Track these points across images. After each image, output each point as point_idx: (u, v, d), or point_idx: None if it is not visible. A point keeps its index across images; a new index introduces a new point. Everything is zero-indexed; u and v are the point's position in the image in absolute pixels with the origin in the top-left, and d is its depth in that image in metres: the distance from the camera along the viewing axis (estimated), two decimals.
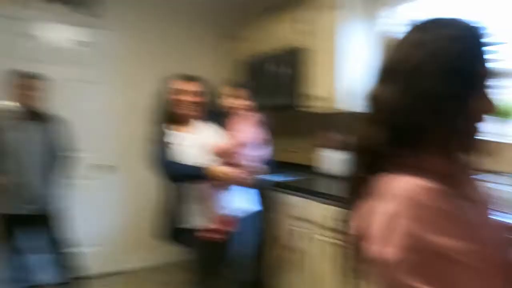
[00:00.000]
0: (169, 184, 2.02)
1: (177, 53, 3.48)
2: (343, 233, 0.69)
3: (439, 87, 0.58)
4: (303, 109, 2.69)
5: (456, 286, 0.51)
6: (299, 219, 2.36)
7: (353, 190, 0.67)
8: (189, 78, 2.02)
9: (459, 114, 0.59)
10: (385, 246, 0.55)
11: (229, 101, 2.09)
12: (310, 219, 2.28)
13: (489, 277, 0.55)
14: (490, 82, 0.61)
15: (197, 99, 1.99)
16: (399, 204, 0.55)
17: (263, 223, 2.51)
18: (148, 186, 2.81)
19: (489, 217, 0.67)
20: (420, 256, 0.52)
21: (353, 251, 0.67)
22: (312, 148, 2.93)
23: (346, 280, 0.70)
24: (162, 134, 1.98)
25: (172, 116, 2.01)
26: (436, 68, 0.58)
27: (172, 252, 2.60)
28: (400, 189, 0.57)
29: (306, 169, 2.93)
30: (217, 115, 2.11)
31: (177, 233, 2.03)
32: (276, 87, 2.82)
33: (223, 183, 1.96)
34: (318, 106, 2.57)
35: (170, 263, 3.26)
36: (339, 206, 0.71)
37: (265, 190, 2.50)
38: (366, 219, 0.61)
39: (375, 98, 0.66)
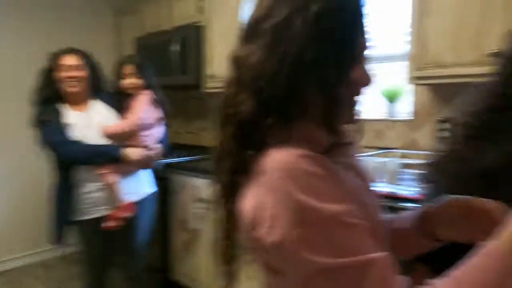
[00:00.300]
0: (60, 169, 1.84)
1: (70, 28, 3.15)
2: (225, 217, 0.62)
3: (312, 53, 0.53)
4: (205, 89, 2.64)
5: (349, 248, 0.50)
6: (201, 200, 2.33)
7: (232, 170, 0.59)
8: (67, 51, 1.86)
9: (336, 83, 0.55)
10: (268, 228, 0.51)
11: (124, 80, 1.95)
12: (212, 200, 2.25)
13: (374, 235, 0.55)
14: (368, 55, 0.60)
15: (77, 73, 1.83)
16: (276, 179, 0.52)
17: (165, 207, 2.43)
18: (31, 172, 2.53)
19: (368, 184, 0.69)
20: (308, 227, 0.50)
21: (232, 238, 0.62)
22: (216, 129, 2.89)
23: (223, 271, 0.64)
24: (52, 114, 1.80)
25: (59, 94, 1.84)
26: (312, 31, 0.54)
27: (60, 245, 2.38)
28: (275, 163, 0.53)
29: (210, 150, 2.88)
30: (113, 95, 1.98)
31: (68, 223, 1.86)
32: (176, 66, 2.71)
33: (128, 166, 1.87)
34: (219, 86, 2.53)
35: (58, 257, 3.05)
36: (217, 190, 0.63)
37: (163, 172, 2.41)
38: (246, 202, 0.56)
39: (237, 60, 0.59)
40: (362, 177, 0.68)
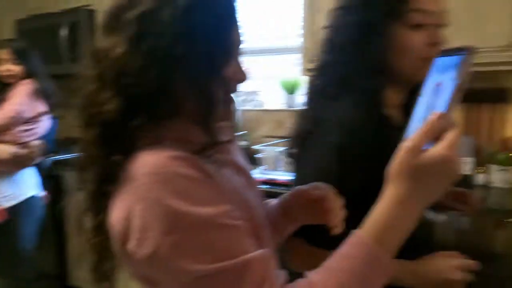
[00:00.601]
0: None
1: None
2: (96, 231, 0.56)
3: (183, 47, 0.50)
4: None
5: (226, 251, 0.48)
6: None
7: (98, 178, 0.52)
8: None
9: (209, 80, 0.52)
10: (139, 240, 0.47)
11: (1, 67, 1.71)
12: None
13: (256, 236, 0.54)
14: (242, 50, 0.58)
15: None
16: (145, 185, 0.48)
17: (58, 208, 2.22)
18: None
19: (250, 180, 0.68)
20: (181, 233, 0.47)
21: (105, 253, 0.56)
22: None
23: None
24: None
25: None
26: (181, 24, 0.50)
27: None
28: (144, 167, 0.48)
29: None
30: None
31: None
32: (66, 53, 2.47)
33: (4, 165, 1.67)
34: None
35: None
36: (84, 201, 0.56)
37: (53, 170, 2.21)
38: (115, 213, 0.51)
39: (97, 54, 0.53)
40: (243, 173, 0.67)
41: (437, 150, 0.46)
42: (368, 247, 0.48)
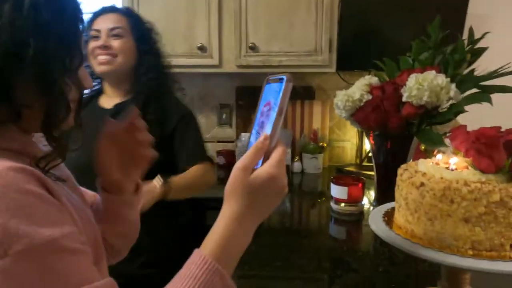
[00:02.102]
0: None
1: None
2: None
3: (29, 47, 0.44)
4: None
5: (70, 277, 0.42)
6: None
7: None
8: None
9: (56, 84, 0.47)
10: None
11: None
12: None
13: (92, 256, 0.50)
14: (84, 55, 0.53)
15: None
16: None
17: None
18: None
19: (84, 200, 0.62)
20: (18, 257, 0.40)
21: None
22: None
23: None
24: None
25: None
26: (27, 21, 0.44)
27: None
28: None
29: None
30: None
31: None
32: None
33: None
34: None
35: None
36: None
37: None
38: None
39: None
40: (78, 190, 0.61)
41: (264, 169, 0.49)
42: (208, 265, 0.48)
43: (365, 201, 1.37)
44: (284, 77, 0.51)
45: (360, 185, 1.29)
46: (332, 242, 1.17)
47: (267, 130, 0.51)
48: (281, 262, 0.97)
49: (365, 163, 1.89)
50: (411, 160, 1.23)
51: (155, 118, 1.22)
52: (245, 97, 2.05)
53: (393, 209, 0.74)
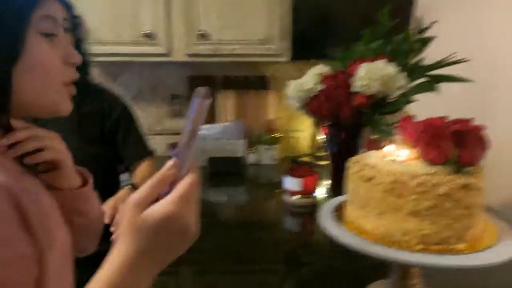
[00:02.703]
0: None
1: None
2: None
3: None
4: None
5: None
6: None
7: None
8: None
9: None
10: None
11: None
12: None
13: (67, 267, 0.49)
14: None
15: None
16: None
17: None
18: None
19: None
20: None
21: None
22: None
23: None
24: None
25: None
26: None
27: None
28: None
29: None
30: None
31: None
32: None
33: None
34: None
35: None
36: None
37: None
38: None
39: None
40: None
41: (160, 206, 0.40)
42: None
43: (322, 191, 1.36)
44: (201, 92, 0.43)
45: (314, 176, 1.28)
46: (287, 235, 1.15)
47: (175, 153, 0.43)
48: (235, 255, 0.95)
49: (320, 153, 1.89)
50: (363, 149, 1.23)
51: (95, 112, 1.15)
52: (197, 87, 1.97)
53: (346, 202, 0.72)
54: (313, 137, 1.96)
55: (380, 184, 0.59)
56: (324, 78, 1.18)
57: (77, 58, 0.52)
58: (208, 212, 1.27)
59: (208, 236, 0.96)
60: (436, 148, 0.58)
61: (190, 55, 1.62)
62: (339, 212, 0.71)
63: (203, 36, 1.59)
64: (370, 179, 0.61)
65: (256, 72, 1.98)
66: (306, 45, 1.72)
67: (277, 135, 1.89)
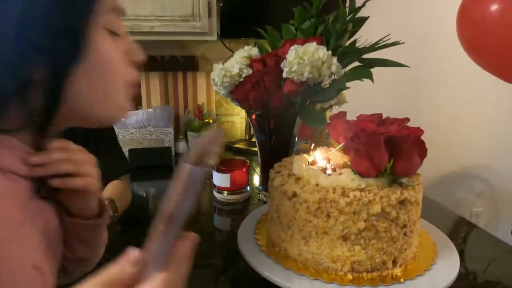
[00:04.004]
0: None
1: None
2: None
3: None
4: None
5: None
6: None
7: None
8: None
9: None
10: None
11: None
12: None
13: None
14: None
15: None
16: None
17: None
18: None
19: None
20: None
21: None
22: None
23: None
24: None
25: None
26: None
27: None
28: None
29: None
30: None
31: None
32: None
33: None
34: None
35: None
36: None
37: None
38: None
39: None
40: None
41: None
42: None
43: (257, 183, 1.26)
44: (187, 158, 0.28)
45: (244, 169, 1.16)
46: (217, 233, 1.04)
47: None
48: None
49: (254, 139, 1.79)
50: (297, 139, 1.14)
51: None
52: None
53: (269, 219, 0.61)
54: (248, 122, 1.84)
55: (305, 203, 0.49)
56: (252, 62, 1.05)
57: (142, 56, 0.46)
58: (135, 207, 1.14)
59: (134, 235, 0.94)
60: (369, 160, 0.48)
61: None
62: (260, 231, 0.61)
63: None
64: (294, 195, 0.51)
65: (184, 51, 1.80)
66: (235, 22, 1.58)
67: (209, 120, 1.75)
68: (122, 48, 0.44)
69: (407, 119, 0.53)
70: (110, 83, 0.41)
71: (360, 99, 1.56)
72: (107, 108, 0.42)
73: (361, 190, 0.48)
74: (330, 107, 1.30)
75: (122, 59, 0.43)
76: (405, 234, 0.49)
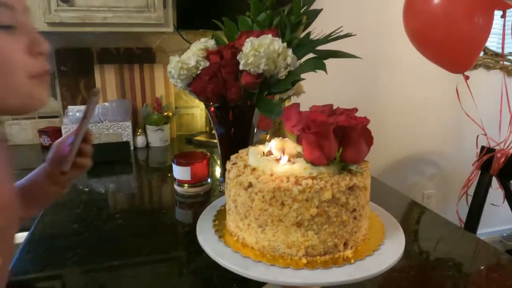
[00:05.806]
0: None
1: None
2: None
3: None
4: None
5: None
6: None
7: None
8: None
9: None
10: None
11: None
12: None
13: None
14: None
15: None
16: None
17: None
18: None
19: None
20: None
21: None
22: None
23: None
24: None
25: None
26: None
27: None
28: None
29: None
30: None
31: None
32: None
33: None
34: None
35: None
36: None
37: None
38: None
39: None
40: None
41: None
42: None
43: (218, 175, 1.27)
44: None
45: (204, 162, 1.17)
46: (179, 226, 1.04)
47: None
48: (125, 249, 0.87)
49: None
50: (256, 130, 1.15)
51: None
52: (68, 61, 1.69)
53: (227, 209, 0.63)
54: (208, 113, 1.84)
55: (260, 192, 0.51)
56: (209, 54, 1.05)
57: (46, 46, 0.48)
58: (93, 204, 1.12)
59: (94, 230, 0.97)
60: (319, 149, 0.51)
61: (51, 24, 1.35)
62: (220, 222, 0.62)
63: (65, 2, 1.32)
64: (249, 185, 0.52)
65: (140, 43, 1.76)
66: (191, 13, 1.56)
67: (168, 113, 1.73)
68: (22, 41, 0.45)
69: (355, 109, 0.55)
70: (8, 78, 0.44)
71: (319, 90, 1.60)
72: (17, 99, 0.45)
73: (313, 178, 0.50)
74: (289, 97, 1.33)
75: (22, 52, 0.45)
76: (354, 218, 0.52)
